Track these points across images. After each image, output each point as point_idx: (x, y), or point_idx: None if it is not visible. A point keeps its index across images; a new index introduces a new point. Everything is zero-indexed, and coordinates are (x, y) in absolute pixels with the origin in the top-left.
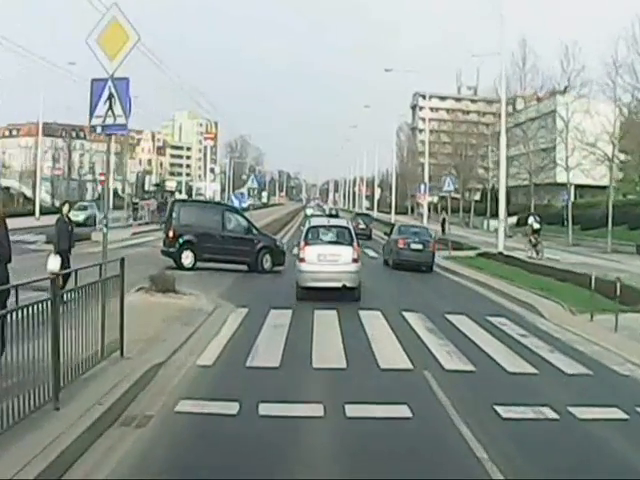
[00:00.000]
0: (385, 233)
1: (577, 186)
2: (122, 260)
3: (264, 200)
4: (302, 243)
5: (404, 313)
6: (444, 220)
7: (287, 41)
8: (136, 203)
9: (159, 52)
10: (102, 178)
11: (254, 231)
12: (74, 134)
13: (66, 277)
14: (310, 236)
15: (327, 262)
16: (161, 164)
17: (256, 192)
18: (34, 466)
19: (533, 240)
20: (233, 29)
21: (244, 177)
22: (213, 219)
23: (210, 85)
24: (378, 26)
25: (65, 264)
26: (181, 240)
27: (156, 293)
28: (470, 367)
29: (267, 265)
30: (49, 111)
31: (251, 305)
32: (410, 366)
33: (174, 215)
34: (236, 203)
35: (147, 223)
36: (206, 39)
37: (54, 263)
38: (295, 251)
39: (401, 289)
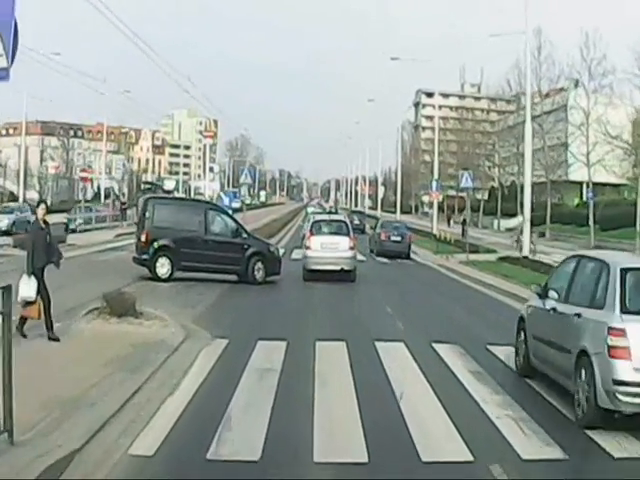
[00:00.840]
0: (371, 227)
1: (588, 184)
2: (6, 289)
3: (262, 199)
4: (308, 234)
5: (435, 346)
6: (464, 221)
7: (288, 41)
8: (125, 202)
9: (159, 50)
10: (85, 175)
11: (243, 234)
12: (72, 133)
13: (46, 304)
14: (314, 229)
15: (328, 249)
16: (160, 163)
17: (255, 190)
18: None
19: (522, 239)
20: (233, 30)
21: None
22: (194, 220)
23: (210, 84)
24: (379, 25)
25: (40, 287)
26: (156, 245)
27: (111, 317)
28: (557, 453)
29: (259, 275)
30: (46, 109)
31: (233, 334)
32: (468, 455)
33: (147, 215)
34: (225, 202)
35: (136, 224)
36: (207, 40)
37: (28, 289)
38: (294, 256)
39: (425, 308)
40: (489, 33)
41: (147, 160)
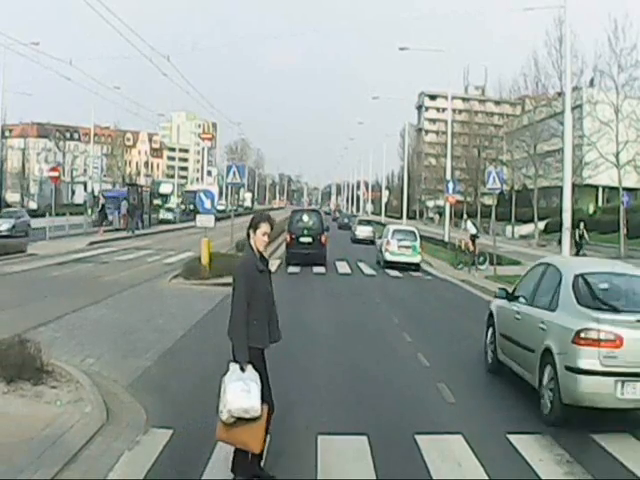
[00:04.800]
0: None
1: (605, 188)
2: None
3: (247, 204)
4: None
5: (512, 439)
6: (581, 238)
7: (288, 43)
8: (104, 206)
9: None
10: (55, 174)
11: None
12: (69, 135)
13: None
14: None
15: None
16: (158, 166)
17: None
18: None
19: (472, 248)
20: (232, 31)
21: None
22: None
23: (211, 87)
24: (379, 29)
25: (263, 389)
26: None
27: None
28: None
29: None
30: (44, 111)
31: (183, 416)
32: None
33: None
34: (206, 205)
35: (117, 229)
36: (207, 42)
37: (245, 395)
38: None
39: (472, 352)
40: (523, 7)
41: (145, 163)
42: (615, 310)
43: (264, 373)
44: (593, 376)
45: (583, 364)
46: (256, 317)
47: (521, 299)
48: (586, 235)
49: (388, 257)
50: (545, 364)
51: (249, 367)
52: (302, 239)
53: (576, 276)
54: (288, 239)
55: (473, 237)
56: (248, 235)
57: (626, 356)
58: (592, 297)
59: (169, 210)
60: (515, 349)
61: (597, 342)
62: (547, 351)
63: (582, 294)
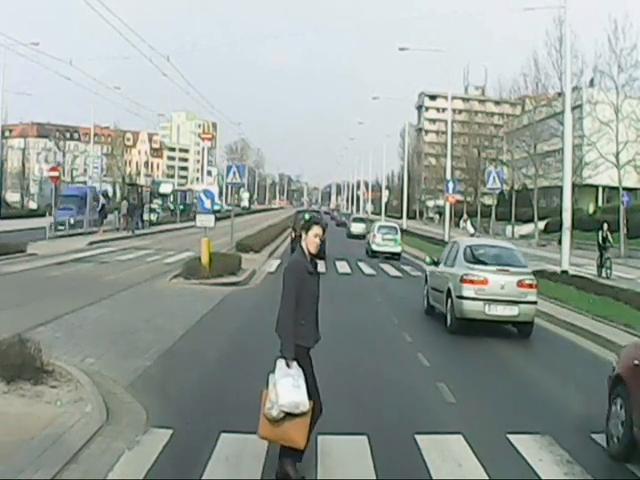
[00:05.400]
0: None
1: (605, 188)
2: None
3: (244, 204)
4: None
5: (512, 439)
6: (603, 244)
7: (288, 43)
8: (104, 205)
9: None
10: (55, 174)
11: None
12: (69, 135)
13: (316, 417)
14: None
15: None
16: (158, 166)
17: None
18: None
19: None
20: (233, 32)
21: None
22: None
23: (211, 87)
24: (379, 31)
25: (309, 386)
26: None
27: None
28: None
29: None
30: (44, 111)
31: (183, 416)
32: None
33: None
34: (206, 205)
35: (117, 229)
36: (207, 42)
37: (294, 390)
38: None
39: (476, 360)
40: (523, 7)
41: (145, 163)
42: (484, 264)
43: (309, 371)
44: (471, 301)
45: (465, 294)
46: (304, 316)
47: (441, 264)
48: (610, 237)
49: (374, 247)
50: (448, 298)
51: (294, 364)
52: None
53: (466, 247)
54: (293, 235)
55: (471, 237)
56: (300, 236)
57: (490, 289)
58: (472, 257)
59: (152, 211)
60: (436, 294)
61: (472, 281)
62: (449, 290)
63: (467, 256)
